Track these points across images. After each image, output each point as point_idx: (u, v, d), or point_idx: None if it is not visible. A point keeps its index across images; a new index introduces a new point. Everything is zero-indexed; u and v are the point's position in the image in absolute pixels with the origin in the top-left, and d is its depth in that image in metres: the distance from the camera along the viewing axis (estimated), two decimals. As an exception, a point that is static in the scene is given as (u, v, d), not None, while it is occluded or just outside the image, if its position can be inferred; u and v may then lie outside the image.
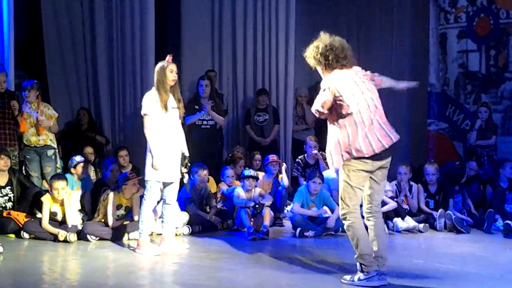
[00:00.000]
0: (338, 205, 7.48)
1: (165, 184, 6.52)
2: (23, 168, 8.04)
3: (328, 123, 5.25)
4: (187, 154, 6.65)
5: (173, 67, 6.52)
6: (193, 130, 9.09)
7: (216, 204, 8.18)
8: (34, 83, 7.97)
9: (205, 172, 8.05)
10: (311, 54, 5.27)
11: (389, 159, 5.20)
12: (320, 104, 5.15)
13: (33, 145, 7.90)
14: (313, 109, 5.27)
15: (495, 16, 10.62)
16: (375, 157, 5.06)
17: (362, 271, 5.12)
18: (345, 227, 5.19)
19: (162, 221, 6.65)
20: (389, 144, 5.10)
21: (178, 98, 6.58)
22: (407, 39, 11.87)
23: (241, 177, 8.09)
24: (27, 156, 7.94)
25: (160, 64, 6.53)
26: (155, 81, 6.52)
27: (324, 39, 5.24)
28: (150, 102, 6.44)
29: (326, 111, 5.14)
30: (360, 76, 5.26)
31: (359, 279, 5.11)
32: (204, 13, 10.59)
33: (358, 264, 5.15)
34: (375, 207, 5.24)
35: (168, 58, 6.57)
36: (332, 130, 5.18)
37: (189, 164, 6.70)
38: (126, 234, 7.04)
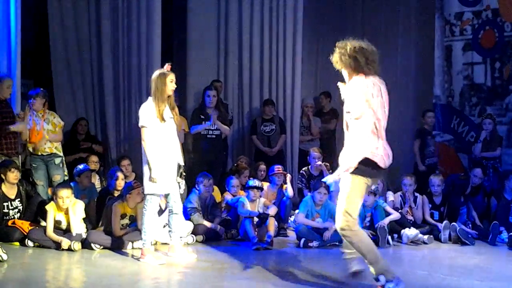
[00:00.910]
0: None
1: (167, 195, 6.52)
2: (30, 176, 8.06)
3: (347, 129, 5.11)
4: (182, 163, 6.59)
5: (173, 76, 6.43)
6: (199, 139, 9.11)
7: (220, 213, 8.19)
8: (40, 91, 8.01)
9: (210, 181, 8.06)
10: (339, 55, 5.11)
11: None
12: (355, 106, 4.97)
13: (39, 154, 7.92)
14: (351, 112, 5.01)
15: (500, 29, 10.64)
16: (381, 171, 5.06)
17: (388, 280, 4.96)
18: (348, 240, 5.03)
19: (169, 231, 6.64)
20: (389, 164, 5.11)
21: (172, 107, 6.49)
22: (412, 51, 11.89)
23: (245, 187, 8.09)
24: (34, 165, 7.95)
25: (159, 72, 6.43)
26: (152, 90, 6.41)
27: (352, 41, 5.14)
28: (148, 113, 6.36)
29: (360, 113, 4.96)
30: (384, 87, 5.16)
31: None
32: (211, 23, 10.61)
33: (382, 276, 4.97)
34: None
35: (167, 66, 6.47)
36: (353, 135, 5.03)
37: (184, 174, 6.61)
38: (130, 243, 7.05)
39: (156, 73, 6.46)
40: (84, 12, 9.74)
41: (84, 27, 9.74)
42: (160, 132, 6.36)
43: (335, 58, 5.15)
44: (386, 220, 7.81)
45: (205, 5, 10.54)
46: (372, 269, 5.03)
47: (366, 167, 4.97)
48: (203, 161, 9.13)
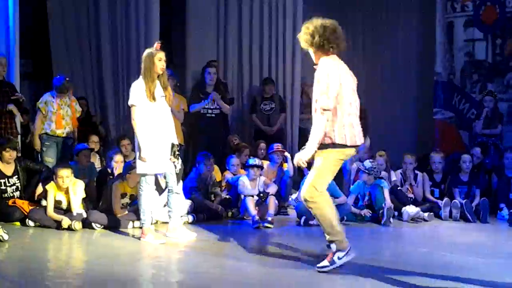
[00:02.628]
0: (341, 194, 7.58)
1: (164, 174, 6.49)
2: (38, 155, 8.07)
3: (313, 108, 5.15)
4: (175, 142, 6.53)
5: (162, 55, 6.32)
6: (198, 118, 9.09)
7: (221, 192, 8.19)
8: (64, 80, 8.12)
9: (211, 161, 8.05)
10: (302, 35, 5.22)
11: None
12: (327, 93, 4.97)
13: (56, 135, 8.01)
14: (321, 101, 5.00)
15: (501, 5, 10.57)
16: (352, 148, 5.12)
17: (339, 249, 5.09)
18: (310, 210, 5.15)
19: (169, 210, 6.62)
20: (360, 142, 5.17)
21: (164, 86, 6.41)
22: (413, 28, 11.83)
23: (245, 166, 8.09)
24: (46, 143, 8.01)
25: (148, 51, 6.35)
26: (142, 69, 6.35)
27: (315, 21, 5.21)
28: (137, 92, 6.30)
29: (333, 101, 4.99)
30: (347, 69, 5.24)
31: (338, 258, 5.10)
32: (210, 2, 10.54)
33: (333, 244, 5.12)
34: None
35: (156, 45, 6.37)
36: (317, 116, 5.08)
37: (177, 153, 6.53)
38: (130, 222, 7.06)
39: (145, 52, 6.39)
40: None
41: (82, 6, 9.69)
42: (151, 111, 6.29)
43: (301, 37, 5.25)
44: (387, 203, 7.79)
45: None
46: (327, 237, 5.18)
47: (338, 147, 5.06)
48: (203, 140, 9.12)
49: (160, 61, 6.30)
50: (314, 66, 5.22)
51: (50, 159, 7.97)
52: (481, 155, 9.13)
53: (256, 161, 7.98)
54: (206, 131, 9.10)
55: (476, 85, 10.81)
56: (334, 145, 5.05)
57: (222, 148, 9.49)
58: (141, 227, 6.57)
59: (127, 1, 9.62)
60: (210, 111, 9.12)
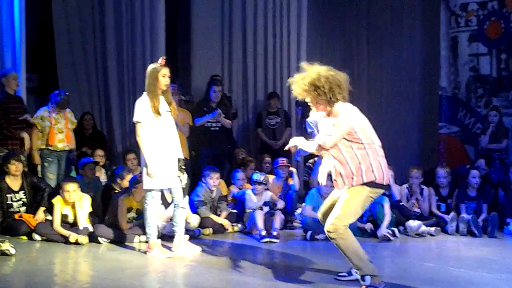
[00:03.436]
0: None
1: (169, 189, 6.49)
2: (40, 170, 8.07)
3: (336, 149, 5.03)
4: (181, 157, 6.55)
5: (166, 71, 6.32)
6: (202, 132, 9.09)
7: (227, 206, 8.19)
8: (63, 94, 8.17)
9: (217, 175, 8.05)
10: (301, 84, 5.00)
11: None
12: (333, 139, 4.95)
13: (58, 150, 8.00)
14: (323, 141, 4.98)
15: (506, 20, 10.59)
16: (383, 187, 5.09)
17: (373, 284, 4.92)
18: (334, 242, 4.99)
19: (173, 224, 6.61)
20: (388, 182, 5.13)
21: (168, 101, 6.40)
22: (418, 42, 11.86)
23: (250, 181, 8.09)
24: (48, 159, 7.99)
25: (152, 67, 6.35)
26: (146, 85, 6.34)
27: (318, 69, 4.99)
28: (142, 108, 6.29)
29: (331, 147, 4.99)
30: None
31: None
32: (214, 16, 10.59)
33: (368, 277, 4.93)
34: None
35: (161, 60, 6.38)
36: (348, 155, 5.00)
37: (183, 167, 6.54)
38: (136, 237, 7.05)
39: (149, 68, 6.39)
40: (88, 7, 9.74)
41: (88, 21, 9.75)
42: (156, 127, 6.29)
43: (302, 88, 5.01)
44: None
45: (209, -1, 10.56)
46: (359, 273, 5.00)
47: (371, 187, 5.00)
48: (207, 153, 9.12)
49: (164, 77, 6.30)
50: (312, 108, 5.13)
51: (51, 175, 7.96)
52: (485, 166, 9.09)
53: (261, 178, 7.97)
54: (210, 144, 9.10)
55: (481, 99, 10.81)
56: (370, 184, 4.98)
57: (229, 161, 9.50)
58: (147, 242, 6.56)
59: (132, 16, 9.67)
60: (214, 124, 9.12)
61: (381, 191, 5.14)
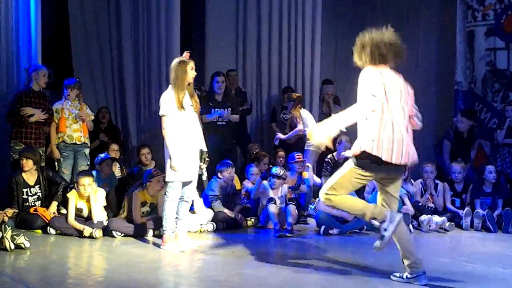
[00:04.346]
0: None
1: (185, 183, 6.51)
2: (56, 164, 8.11)
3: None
4: (205, 149, 6.58)
5: (193, 64, 6.40)
6: (209, 127, 9.06)
7: (240, 201, 8.20)
8: (74, 81, 8.12)
9: (232, 169, 8.06)
10: (357, 49, 4.99)
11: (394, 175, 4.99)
12: (372, 90, 4.74)
13: (73, 141, 7.98)
14: (365, 98, 4.74)
15: (523, 14, 10.51)
16: (387, 167, 4.82)
17: (382, 220, 4.85)
18: (327, 203, 5.01)
19: (177, 218, 6.55)
20: (405, 161, 4.87)
21: (191, 94, 6.46)
22: (434, 37, 11.77)
23: (270, 174, 8.04)
24: (64, 153, 7.99)
25: (179, 60, 6.38)
26: (172, 78, 6.37)
27: (369, 34, 5.01)
28: (168, 102, 6.34)
29: (378, 98, 4.76)
30: (402, 80, 5.03)
31: (384, 229, 4.87)
32: (229, 11, 10.59)
33: (374, 220, 4.93)
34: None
35: (186, 54, 6.42)
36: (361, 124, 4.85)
37: (207, 160, 6.58)
38: (151, 231, 7.08)
39: (175, 61, 6.41)
40: (103, 1, 9.76)
41: (103, 16, 9.77)
42: (180, 120, 6.34)
43: (355, 55, 5.02)
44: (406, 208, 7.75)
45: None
46: (366, 218, 5.00)
47: (365, 160, 4.81)
48: (215, 148, 9.10)
49: (192, 70, 6.38)
50: None
51: (66, 171, 7.97)
52: (495, 174, 8.85)
53: (280, 173, 7.95)
54: (217, 139, 9.06)
55: (498, 94, 10.72)
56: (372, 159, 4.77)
57: (243, 155, 9.47)
58: (162, 235, 6.58)
59: (148, 11, 9.69)
60: (220, 119, 9.08)
61: (381, 171, 4.88)
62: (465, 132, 9.66)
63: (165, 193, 6.50)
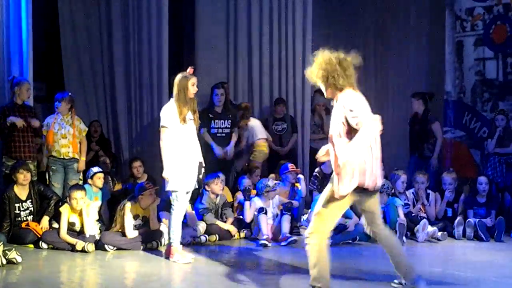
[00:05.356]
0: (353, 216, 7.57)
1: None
2: (47, 178, 8.08)
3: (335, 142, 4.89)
4: (203, 164, 6.70)
5: (195, 80, 6.55)
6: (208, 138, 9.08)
7: (232, 213, 8.20)
8: (66, 95, 8.08)
9: (219, 180, 8.05)
10: (317, 67, 4.95)
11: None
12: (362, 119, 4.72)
13: (61, 157, 7.91)
14: (360, 120, 4.73)
15: (511, 24, 10.57)
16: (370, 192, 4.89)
17: None
18: (307, 247, 4.95)
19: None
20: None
21: (193, 110, 6.59)
22: (423, 47, 11.83)
23: (257, 193, 8.06)
24: (53, 167, 7.94)
25: (181, 76, 6.53)
26: (175, 93, 6.52)
27: (326, 53, 4.98)
28: (169, 114, 6.47)
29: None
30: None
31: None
32: (220, 23, 10.59)
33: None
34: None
35: (190, 70, 6.58)
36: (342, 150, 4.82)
37: (204, 171, 6.75)
38: (143, 244, 7.06)
39: (178, 76, 6.56)
40: (94, 15, 9.78)
41: (94, 29, 9.78)
42: (181, 133, 6.46)
43: (312, 71, 5.00)
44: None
45: (214, 4, 10.55)
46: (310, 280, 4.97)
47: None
48: (213, 161, 9.12)
49: (193, 85, 6.52)
50: (325, 97, 5.09)
51: (56, 185, 7.92)
52: (487, 184, 8.83)
53: (270, 183, 7.97)
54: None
55: (487, 104, 10.78)
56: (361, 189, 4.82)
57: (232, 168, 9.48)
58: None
59: (139, 23, 9.69)
60: (220, 130, 9.12)
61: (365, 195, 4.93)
62: (419, 114, 9.71)
63: (170, 206, 6.52)
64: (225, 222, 7.97)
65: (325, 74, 4.91)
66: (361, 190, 4.85)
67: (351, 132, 4.79)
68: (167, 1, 9.64)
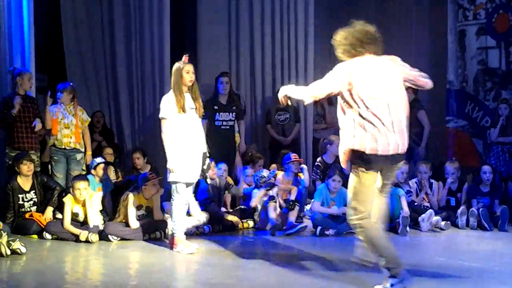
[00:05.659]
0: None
1: (186, 185, 6.53)
2: (49, 168, 8.09)
3: (339, 115, 4.87)
4: (207, 154, 6.67)
5: (190, 67, 6.46)
6: (213, 131, 9.07)
7: (238, 190, 8.31)
8: (68, 85, 8.07)
9: (213, 164, 8.03)
10: (337, 47, 5.07)
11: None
12: (320, 85, 4.89)
13: (63, 147, 7.90)
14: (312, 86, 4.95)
15: (514, 13, 10.55)
16: (380, 158, 4.71)
17: (391, 275, 4.74)
18: (358, 235, 4.86)
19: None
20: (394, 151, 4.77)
21: (195, 97, 6.52)
22: (425, 36, 11.80)
23: (255, 186, 8.10)
24: (55, 157, 7.93)
25: (176, 65, 6.49)
26: (172, 83, 6.48)
27: (341, 30, 5.12)
28: (167, 105, 6.41)
29: (321, 95, 4.91)
30: (384, 64, 5.03)
31: (391, 285, 4.73)
32: (221, 14, 10.59)
33: (386, 270, 4.76)
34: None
35: (184, 58, 6.50)
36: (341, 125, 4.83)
37: (208, 162, 6.73)
38: (146, 234, 7.07)
39: (174, 66, 6.52)
40: (96, 5, 9.77)
41: (96, 20, 9.80)
42: (181, 123, 6.39)
43: (337, 53, 5.11)
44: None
45: (216, 4, 10.56)
46: (380, 262, 4.81)
47: (356, 158, 4.75)
48: (217, 151, 9.12)
49: (188, 73, 6.43)
50: None
51: (59, 175, 7.92)
52: (491, 173, 8.86)
53: (264, 173, 8.00)
54: (221, 143, 9.07)
55: (490, 93, 10.75)
56: (357, 156, 4.70)
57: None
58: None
59: (140, 15, 9.70)
60: (225, 123, 9.12)
61: (378, 163, 4.76)
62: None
63: (171, 198, 6.51)
64: (227, 210, 7.98)
65: (347, 48, 5.02)
66: (380, 158, 4.71)
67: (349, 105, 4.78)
68: (168, 1, 9.64)
